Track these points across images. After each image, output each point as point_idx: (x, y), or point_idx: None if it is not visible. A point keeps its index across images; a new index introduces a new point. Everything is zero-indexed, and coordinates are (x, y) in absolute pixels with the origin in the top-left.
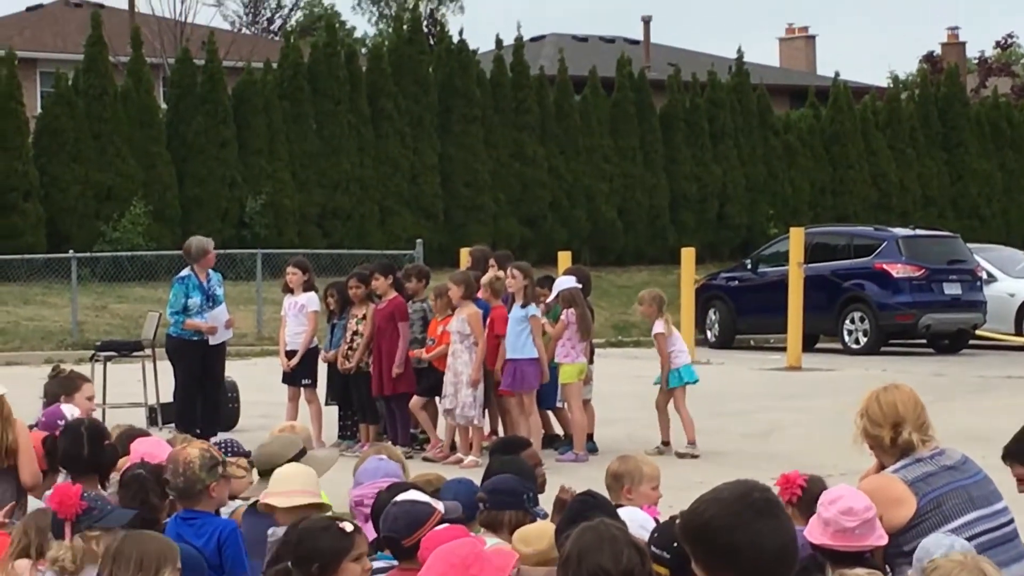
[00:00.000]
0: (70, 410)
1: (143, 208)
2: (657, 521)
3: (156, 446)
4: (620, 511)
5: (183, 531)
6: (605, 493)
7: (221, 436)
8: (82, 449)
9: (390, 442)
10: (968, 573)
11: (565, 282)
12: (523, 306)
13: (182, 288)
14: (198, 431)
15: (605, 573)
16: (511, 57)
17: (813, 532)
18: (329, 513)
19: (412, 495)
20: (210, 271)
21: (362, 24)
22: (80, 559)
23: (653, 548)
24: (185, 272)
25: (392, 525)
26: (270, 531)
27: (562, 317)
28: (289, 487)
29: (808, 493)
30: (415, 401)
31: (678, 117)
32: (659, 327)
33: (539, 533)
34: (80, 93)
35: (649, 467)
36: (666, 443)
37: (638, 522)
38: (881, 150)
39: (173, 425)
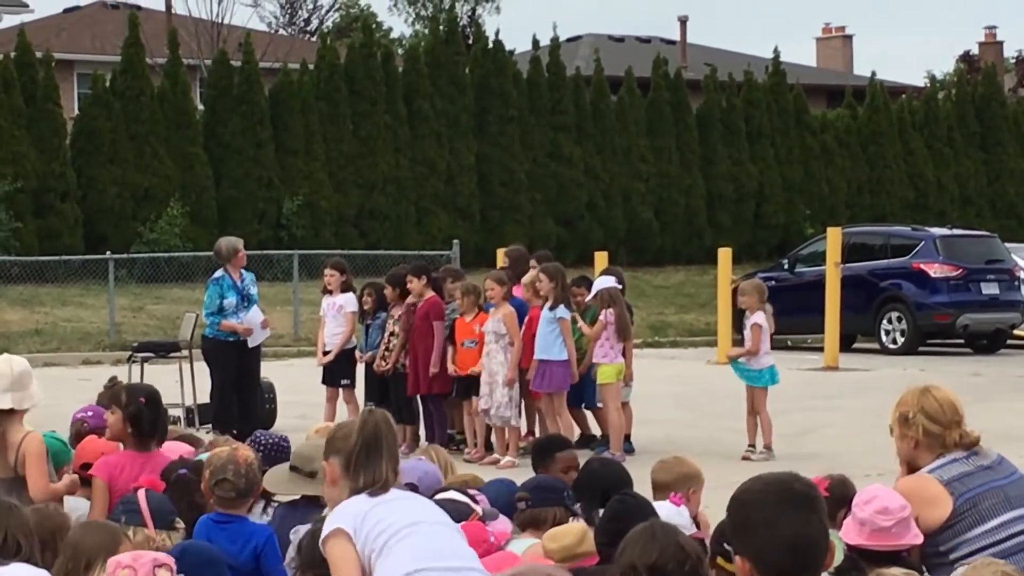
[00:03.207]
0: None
1: (180, 209)
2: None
3: (178, 448)
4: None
5: (215, 535)
6: (645, 494)
7: (260, 433)
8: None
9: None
10: None
11: (605, 282)
12: (552, 308)
13: (217, 289)
14: (234, 432)
15: (632, 568)
16: (547, 57)
17: (849, 533)
18: None
19: (451, 495)
20: (243, 271)
21: (398, 25)
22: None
23: (720, 543)
24: (219, 273)
25: None
26: (293, 531)
27: (600, 317)
28: None
29: (832, 498)
30: (467, 407)
31: (714, 117)
32: (758, 318)
33: (566, 530)
34: (117, 95)
35: (700, 477)
36: (752, 446)
37: (666, 514)
38: (918, 150)
39: (210, 426)
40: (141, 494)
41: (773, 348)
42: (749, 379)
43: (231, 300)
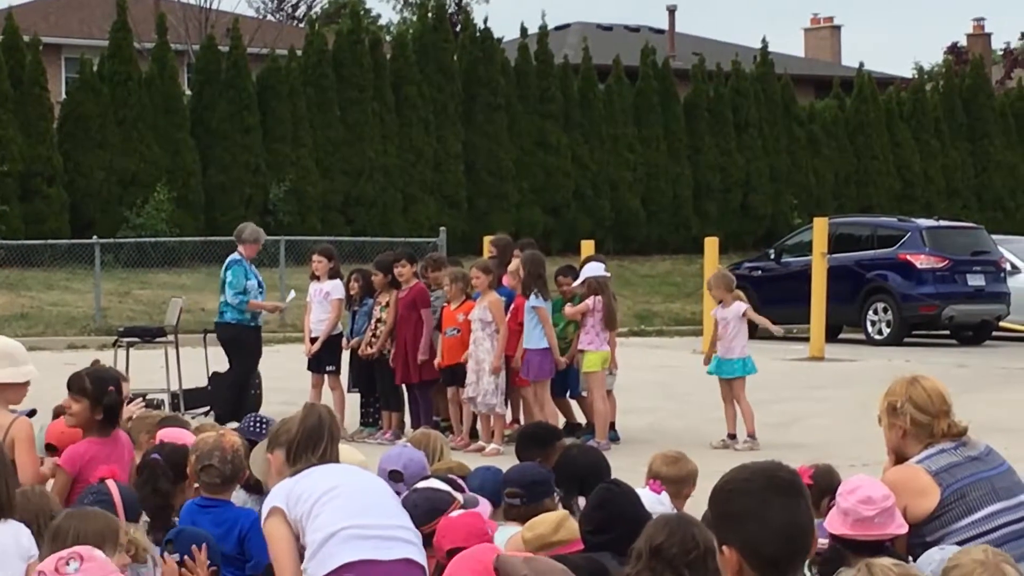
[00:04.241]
0: None
1: (167, 194)
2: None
3: (181, 435)
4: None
5: (199, 519)
6: (631, 482)
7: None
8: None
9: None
10: (989, 574)
11: (594, 269)
12: (525, 297)
13: (241, 269)
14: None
15: (638, 553)
16: (535, 46)
17: (833, 522)
18: None
19: (433, 483)
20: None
21: (386, 12)
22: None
23: None
24: (237, 255)
25: (411, 511)
26: None
27: (587, 301)
28: None
29: (816, 486)
30: (452, 394)
31: (702, 106)
32: (743, 308)
33: (542, 519)
34: (105, 79)
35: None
36: (732, 436)
37: (648, 502)
38: (905, 141)
39: (207, 412)
40: (112, 484)
41: (759, 338)
42: (723, 371)
43: (253, 283)
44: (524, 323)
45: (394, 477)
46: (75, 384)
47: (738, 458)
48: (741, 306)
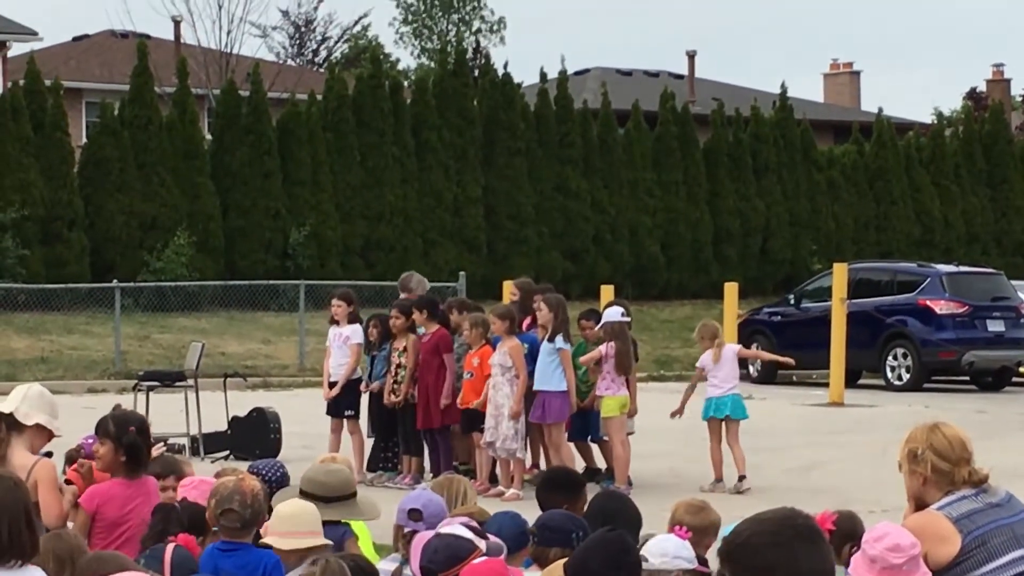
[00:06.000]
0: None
1: (187, 238)
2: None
3: (203, 485)
4: (654, 541)
5: (222, 563)
6: (650, 527)
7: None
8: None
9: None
10: None
11: (613, 314)
12: (550, 339)
13: None
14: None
15: None
16: (555, 90)
17: (858, 569)
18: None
19: (456, 529)
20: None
21: (404, 57)
22: None
23: None
24: None
25: (431, 556)
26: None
27: (600, 348)
28: (292, 527)
29: (839, 532)
30: (478, 439)
31: (721, 151)
32: (733, 348)
33: (557, 565)
34: (125, 123)
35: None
36: (742, 477)
37: (672, 552)
38: (925, 186)
39: (227, 455)
40: (169, 548)
41: (778, 383)
42: (735, 410)
43: None
44: (540, 364)
45: (413, 516)
46: (100, 427)
47: (753, 504)
48: (733, 347)
